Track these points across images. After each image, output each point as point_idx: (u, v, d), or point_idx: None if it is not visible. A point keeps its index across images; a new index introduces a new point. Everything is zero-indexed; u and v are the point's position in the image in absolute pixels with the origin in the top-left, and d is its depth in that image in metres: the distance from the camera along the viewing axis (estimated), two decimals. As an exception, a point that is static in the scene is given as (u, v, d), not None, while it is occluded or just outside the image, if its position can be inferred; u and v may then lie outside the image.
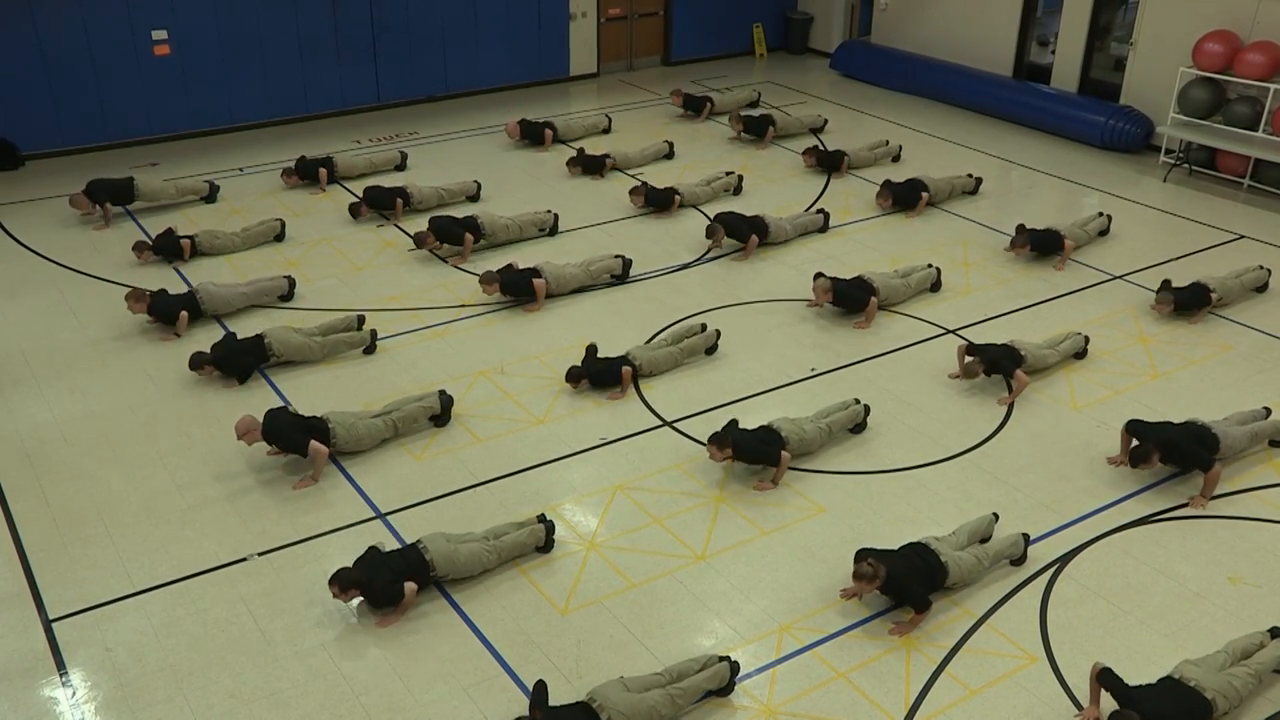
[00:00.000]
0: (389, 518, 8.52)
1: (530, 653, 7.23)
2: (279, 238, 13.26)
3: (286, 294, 11.81)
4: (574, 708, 6.43)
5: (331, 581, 7.41)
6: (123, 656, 7.22)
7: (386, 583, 7.43)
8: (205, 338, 10.83)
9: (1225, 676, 6.62)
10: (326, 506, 8.65)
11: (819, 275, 11.49)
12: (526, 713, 6.47)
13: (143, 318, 11.22)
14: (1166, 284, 11.53)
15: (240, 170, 15.60)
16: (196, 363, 10.12)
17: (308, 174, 14.90)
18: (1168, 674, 6.67)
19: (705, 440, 8.90)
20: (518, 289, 11.63)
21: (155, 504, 8.69)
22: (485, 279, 11.54)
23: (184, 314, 11.03)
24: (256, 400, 9.86)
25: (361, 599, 7.52)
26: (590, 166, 15.37)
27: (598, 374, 10.11)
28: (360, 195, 14.01)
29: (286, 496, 8.76)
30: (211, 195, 14.41)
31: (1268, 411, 9.52)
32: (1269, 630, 7.18)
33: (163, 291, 11.30)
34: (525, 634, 7.41)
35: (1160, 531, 8.41)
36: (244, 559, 8.10)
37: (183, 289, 11.64)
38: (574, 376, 10.07)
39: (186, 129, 16.79)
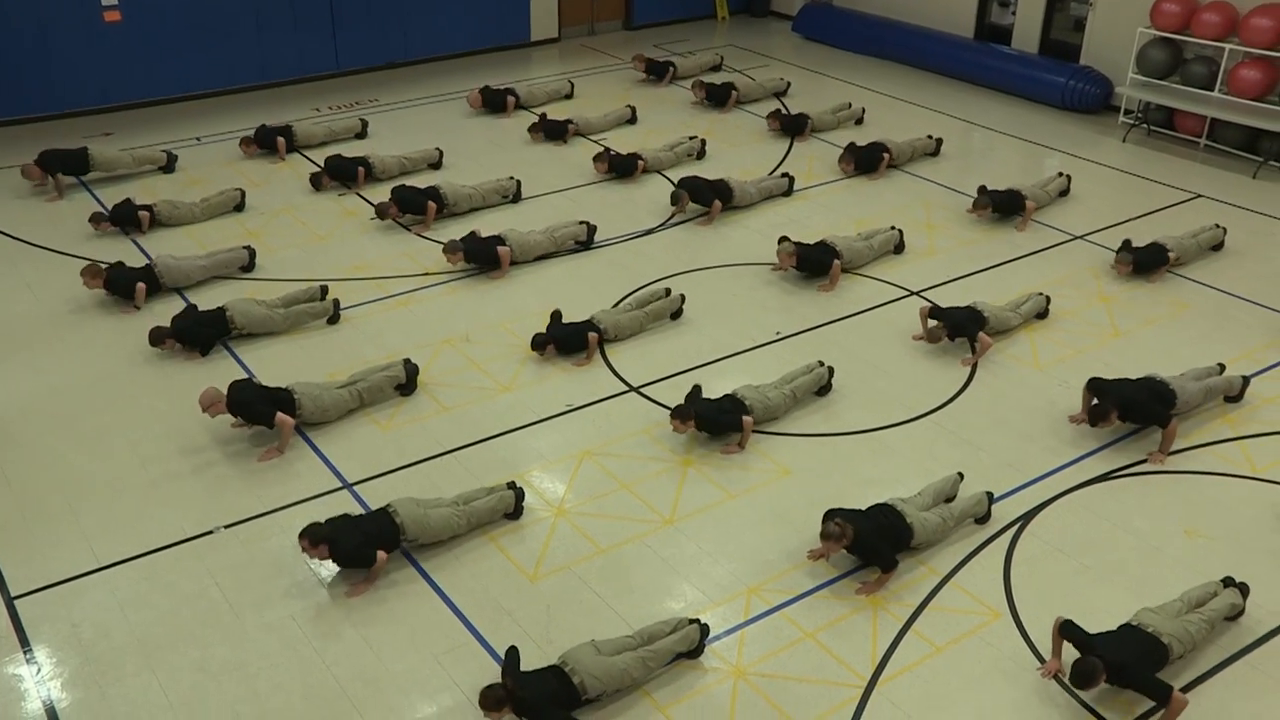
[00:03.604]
0: (356, 488, 8.50)
1: (500, 620, 7.26)
2: (239, 208, 13.09)
3: (247, 265, 11.68)
4: (546, 672, 6.48)
5: (302, 535, 7.38)
6: (89, 632, 7.17)
7: (356, 544, 7.41)
8: (165, 311, 10.69)
9: (1181, 623, 6.80)
10: (293, 478, 8.61)
11: (783, 239, 11.51)
12: (499, 679, 6.49)
13: (100, 292, 11.05)
14: (1126, 244, 11.65)
15: (198, 140, 15.36)
16: (157, 338, 10.00)
17: (267, 143, 14.70)
18: (1126, 621, 6.80)
19: (669, 410, 8.91)
20: (482, 257, 11.57)
21: (118, 479, 8.61)
22: (449, 248, 11.46)
23: (141, 286, 10.88)
24: (219, 373, 9.77)
25: (330, 559, 7.48)
26: (552, 132, 15.27)
27: (563, 339, 10.09)
28: (321, 165, 13.85)
29: (252, 469, 8.71)
30: (169, 165, 14.18)
31: (1222, 368, 9.68)
32: (1221, 580, 7.35)
33: (119, 265, 11.14)
34: (495, 601, 7.43)
35: (1120, 487, 8.55)
36: (210, 532, 8.06)
37: (141, 262, 11.46)
38: (539, 343, 10.04)
39: (141, 98, 16.48)
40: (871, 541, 7.43)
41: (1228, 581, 7.33)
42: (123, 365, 10.07)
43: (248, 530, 8.08)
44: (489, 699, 6.24)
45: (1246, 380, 9.55)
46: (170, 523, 8.15)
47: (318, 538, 7.37)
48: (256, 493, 8.45)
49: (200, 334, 10.11)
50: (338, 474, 8.65)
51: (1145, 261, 11.47)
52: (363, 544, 7.44)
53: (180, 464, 8.78)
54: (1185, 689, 6.68)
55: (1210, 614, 6.98)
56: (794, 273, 11.61)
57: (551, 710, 6.29)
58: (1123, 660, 6.40)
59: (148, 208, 12.50)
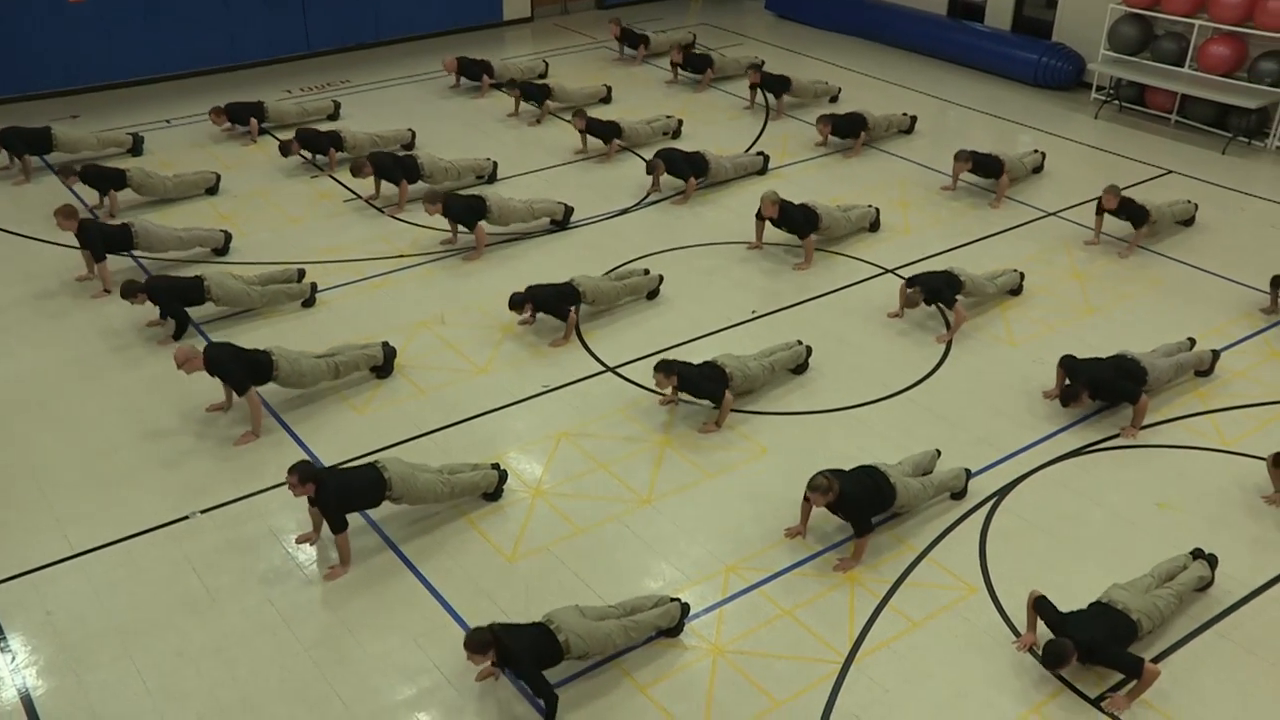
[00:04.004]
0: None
1: (479, 601, 7.26)
2: (212, 191, 12.96)
3: (221, 249, 11.56)
4: (531, 627, 6.48)
5: (291, 470, 7.34)
6: (64, 620, 7.13)
7: (341, 485, 7.40)
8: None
9: (1151, 598, 6.89)
10: (269, 462, 8.56)
11: (769, 191, 11.43)
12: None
13: (69, 278, 10.92)
14: (1116, 188, 11.58)
15: (168, 122, 15.19)
16: (129, 290, 9.80)
17: (238, 117, 14.51)
18: (1097, 599, 6.89)
19: (653, 369, 8.89)
20: (462, 212, 11.46)
21: (91, 465, 8.55)
22: (429, 198, 11.33)
23: (106, 269, 10.71)
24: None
25: (314, 499, 7.43)
26: (530, 94, 15.20)
27: (543, 300, 10.02)
28: (293, 135, 13.66)
29: (228, 454, 8.66)
30: (137, 148, 14.01)
31: (1192, 342, 9.77)
32: (1191, 553, 7.44)
33: (95, 220, 10.99)
34: (474, 582, 7.44)
35: (1093, 462, 8.62)
36: (186, 517, 8.01)
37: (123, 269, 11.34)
38: (517, 301, 9.97)
39: (107, 80, 16.27)
40: (856, 498, 7.46)
41: (1197, 553, 7.43)
42: (93, 350, 9.98)
43: (224, 515, 8.04)
44: (475, 642, 6.23)
45: (1216, 354, 9.65)
46: (145, 508, 8.10)
47: (307, 475, 7.33)
48: (232, 477, 8.41)
49: (173, 296, 9.94)
50: (314, 458, 8.61)
51: (1131, 211, 11.50)
52: (348, 494, 7.42)
53: (154, 449, 8.72)
54: (1156, 659, 6.77)
55: (1179, 587, 7.08)
56: (768, 252, 11.60)
57: (534, 662, 6.29)
58: (1093, 639, 6.48)
59: (120, 173, 12.32)
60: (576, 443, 8.82)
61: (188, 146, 14.37)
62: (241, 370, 8.71)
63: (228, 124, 14.57)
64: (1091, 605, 6.82)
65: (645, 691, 6.64)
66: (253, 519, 7.99)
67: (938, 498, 8.13)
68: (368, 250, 11.79)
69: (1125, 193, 11.72)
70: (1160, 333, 10.07)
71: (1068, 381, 8.96)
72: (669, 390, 8.89)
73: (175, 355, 8.68)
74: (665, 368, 8.72)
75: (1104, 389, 8.86)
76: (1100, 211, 11.69)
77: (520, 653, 6.25)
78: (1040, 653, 6.76)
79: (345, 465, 7.81)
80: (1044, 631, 6.83)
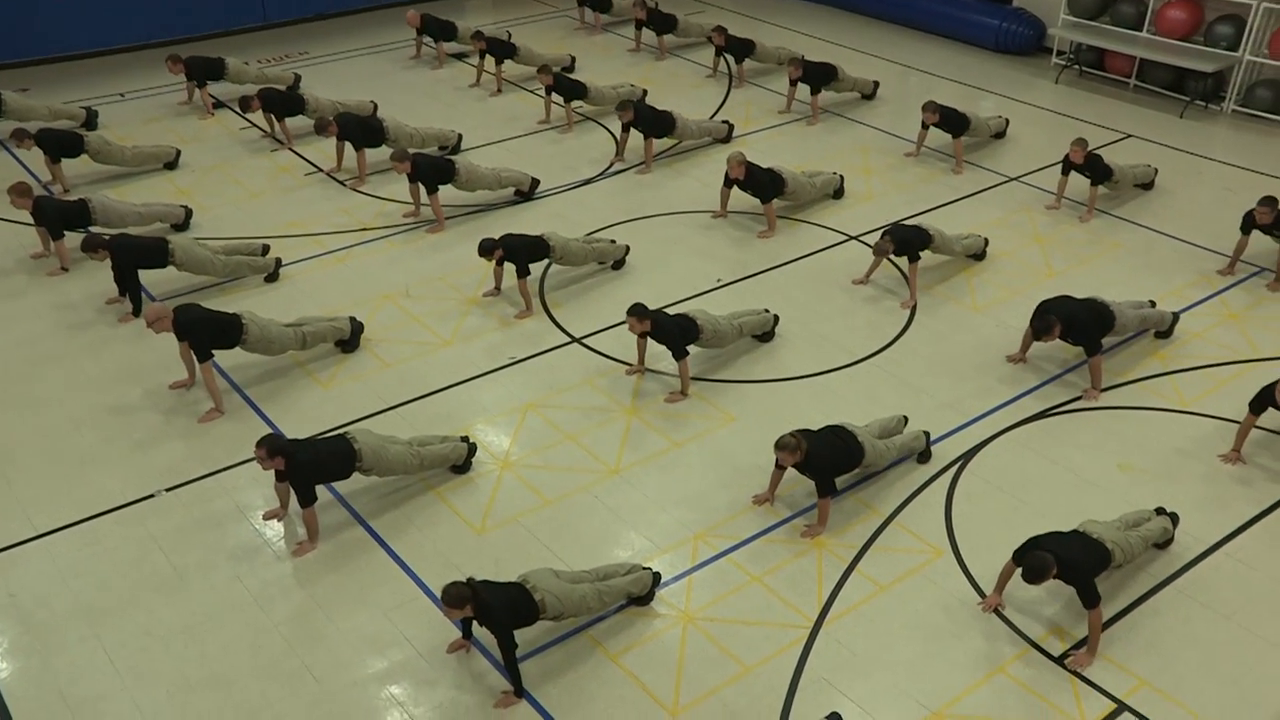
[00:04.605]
0: (299, 447, 8.42)
1: (449, 574, 7.24)
2: (171, 165, 12.77)
3: (182, 224, 11.40)
4: (508, 585, 6.49)
5: (259, 444, 7.28)
6: (28, 601, 7.06)
7: (310, 459, 7.35)
8: (95, 268, 10.41)
9: (1124, 535, 7.04)
10: (234, 438, 8.50)
11: (736, 152, 11.39)
12: (450, 635, 6.50)
13: (24, 255, 10.75)
14: (1083, 140, 11.64)
15: (121, 96, 14.93)
16: (91, 244, 9.63)
17: (194, 73, 14.19)
18: (1075, 528, 6.99)
19: (627, 312, 8.87)
20: (430, 173, 11.35)
21: (52, 444, 8.45)
22: (398, 155, 11.21)
23: (64, 242, 10.56)
24: (155, 337, 9.54)
25: (282, 472, 7.40)
26: (496, 49, 15.06)
27: (512, 249, 9.94)
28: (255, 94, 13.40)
29: (192, 431, 8.59)
30: (90, 122, 13.74)
31: (1153, 304, 9.89)
32: (1154, 510, 7.57)
33: (50, 197, 10.82)
34: (443, 555, 7.44)
35: (1056, 425, 8.73)
36: (151, 496, 7.95)
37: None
38: (487, 249, 9.91)
39: (58, 53, 15.93)
40: (824, 456, 7.51)
41: (1159, 511, 7.56)
42: (52, 329, 9.84)
43: (190, 492, 7.99)
44: (452, 595, 6.21)
45: (1176, 316, 9.78)
46: (109, 487, 8.02)
47: (275, 449, 7.28)
48: (198, 454, 8.34)
49: (136, 255, 9.79)
50: (280, 433, 8.54)
51: (1095, 167, 11.56)
52: (317, 463, 7.38)
53: (117, 427, 8.63)
54: (1119, 614, 6.91)
55: (1146, 533, 7.22)
56: (733, 220, 11.61)
57: (510, 618, 6.29)
58: (1072, 557, 6.59)
59: (78, 135, 12.09)
60: (544, 414, 8.82)
61: (143, 121, 14.14)
62: (209, 334, 8.61)
63: (183, 78, 14.22)
64: (1070, 532, 6.92)
65: (616, 660, 6.68)
66: (219, 496, 7.94)
67: (903, 462, 8.21)
68: (330, 224, 11.68)
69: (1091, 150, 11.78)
70: (1121, 296, 10.15)
71: (1043, 315, 8.88)
72: (639, 336, 8.86)
73: (146, 314, 8.59)
74: (639, 311, 8.75)
75: (1076, 325, 8.87)
76: (1066, 169, 11.73)
77: (496, 608, 6.26)
78: (1005, 614, 6.84)
79: (314, 438, 7.77)
80: (1011, 589, 6.94)
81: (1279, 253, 10.57)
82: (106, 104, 14.50)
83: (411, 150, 12.52)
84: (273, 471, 7.47)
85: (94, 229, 10.79)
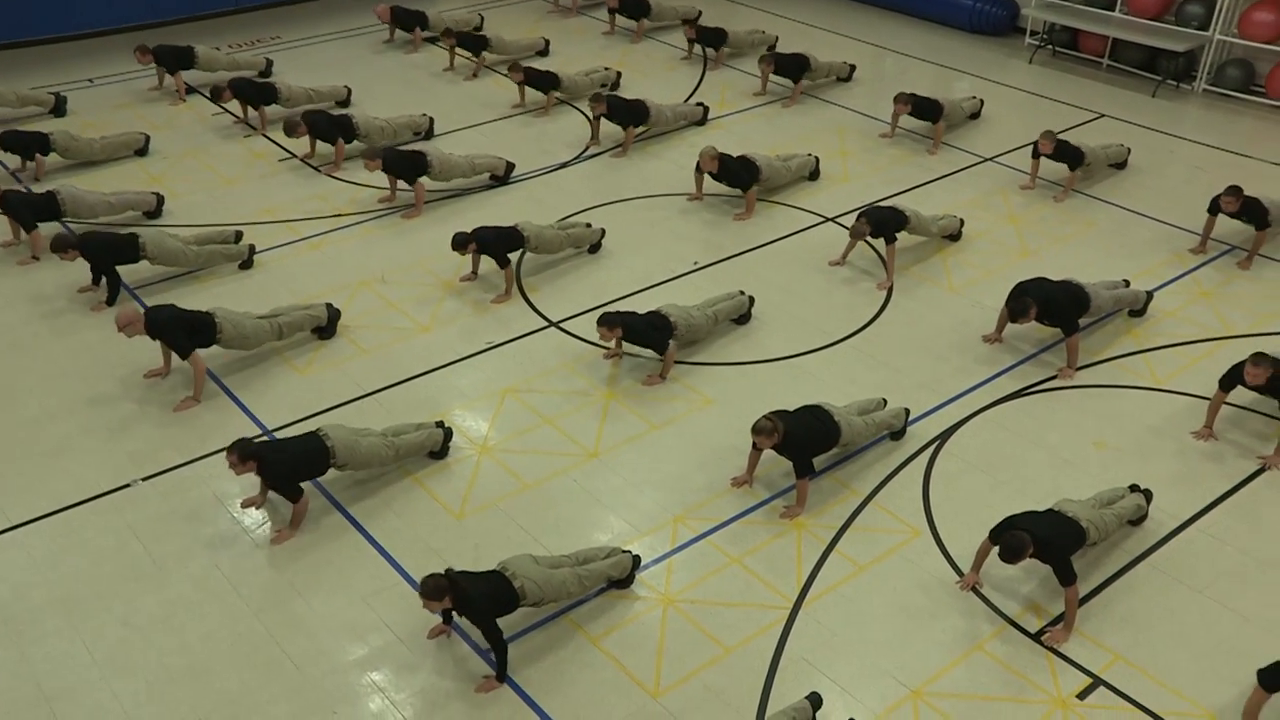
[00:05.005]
0: (276, 434, 8.38)
1: (429, 559, 7.26)
2: (141, 152, 12.64)
3: (154, 211, 11.31)
4: (487, 574, 6.50)
5: (230, 450, 7.26)
6: (3, 593, 7.01)
7: (284, 460, 7.32)
8: (66, 262, 10.32)
9: (1099, 513, 7.12)
10: (211, 427, 8.46)
11: (708, 147, 11.42)
12: (430, 620, 6.50)
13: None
14: (1052, 133, 11.70)
15: (90, 82, 14.76)
16: (61, 244, 9.54)
17: (164, 61, 14.07)
18: (1050, 507, 7.06)
19: (596, 323, 8.88)
20: (402, 167, 11.30)
21: (26, 435, 8.38)
22: (369, 154, 11.14)
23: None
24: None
25: (258, 476, 7.38)
26: (466, 43, 14.97)
27: (486, 241, 9.92)
28: (226, 84, 13.29)
29: (168, 419, 8.54)
30: (59, 108, 13.60)
31: (1127, 284, 9.96)
32: (1128, 487, 7.64)
33: (19, 190, 10.68)
34: (422, 541, 7.43)
35: (1032, 404, 8.79)
36: (127, 485, 7.90)
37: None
38: (461, 242, 9.87)
39: (23, 37, 15.69)
40: (800, 440, 7.54)
41: (1133, 488, 7.64)
42: (23, 319, 9.75)
43: (167, 482, 7.94)
44: (430, 588, 6.22)
45: (1150, 295, 9.85)
46: (85, 478, 7.97)
47: (246, 453, 7.25)
48: (174, 443, 8.29)
49: (107, 251, 9.69)
50: (257, 421, 8.51)
51: (1067, 154, 11.62)
52: (291, 463, 7.35)
53: (91, 418, 8.56)
54: (1094, 591, 6.98)
55: (1120, 510, 7.30)
56: (709, 203, 11.61)
57: (490, 607, 6.30)
58: (1048, 536, 6.66)
59: (44, 137, 11.96)
60: (522, 398, 8.82)
61: (113, 107, 13.98)
62: (184, 332, 8.55)
63: (154, 79, 14.13)
64: (1046, 511, 6.99)
65: (597, 643, 6.70)
66: (196, 485, 7.90)
67: (880, 442, 8.25)
68: (305, 210, 11.60)
69: (1060, 136, 11.85)
70: (1095, 276, 10.22)
71: (1018, 297, 8.94)
72: (614, 343, 8.91)
73: (117, 319, 8.51)
74: (609, 321, 8.72)
75: (1052, 307, 8.95)
76: (1036, 155, 11.83)
77: (476, 598, 6.27)
78: (983, 592, 6.91)
79: (286, 435, 7.71)
80: (988, 568, 6.99)
81: (1253, 235, 10.64)
82: (75, 90, 14.33)
83: (384, 143, 12.50)
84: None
85: (65, 219, 10.69)
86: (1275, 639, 6.73)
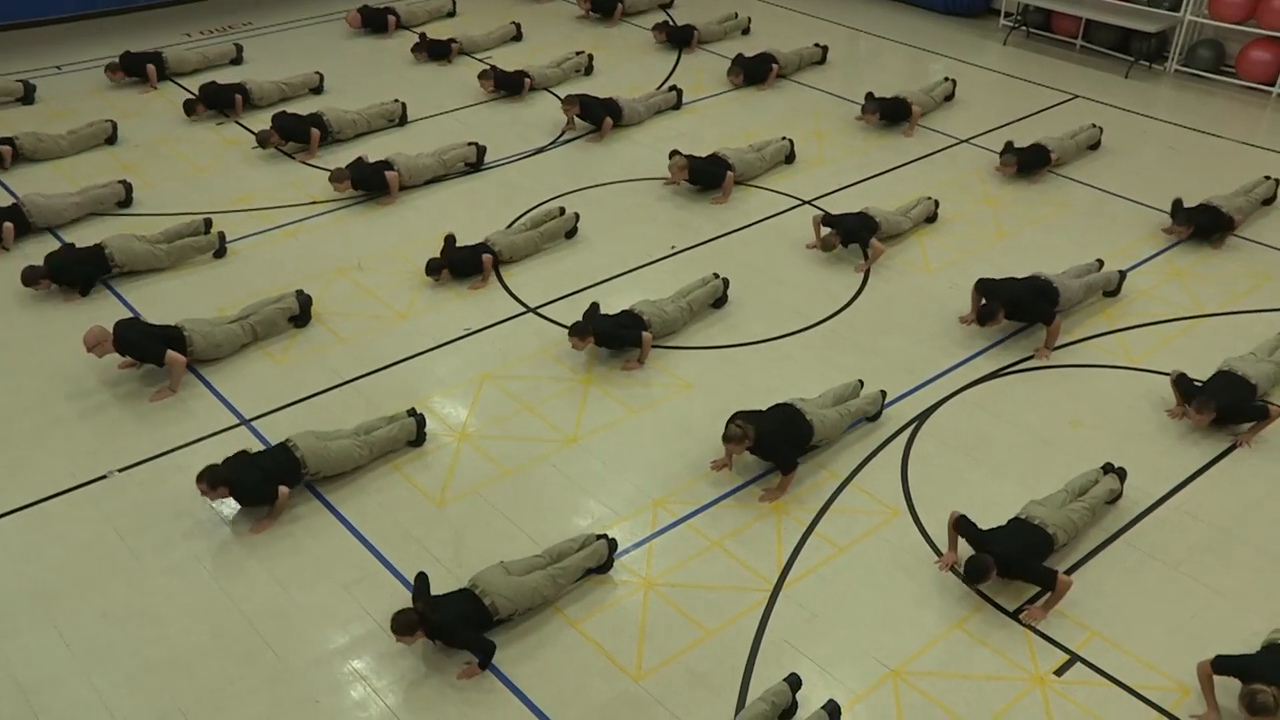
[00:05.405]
0: (254, 423, 8.34)
1: (409, 547, 7.25)
2: (110, 140, 12.51)
3: (124, 201, 11.20)
4: (457, 595, 6.52)
5: (199, 478, 7.24)
6: (-19, 586, 6.97)
7: (256, 481, 7.30)
8: (37, 252, 10.19)
9: (1065, 512, 7.15)
10: (188, 416, 8.41)
11: (674, 153, 11.48)
12: (410, 605, 6.50)
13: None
14: (1009, 145, 11.89)
15: (58, 69, 14.58)
16: (30, 277, 9.56)
17: (135, 69, 13.99)
18: (1016, 515, 7.12)
19: (567, 329, 8.90)
20: (370, 183, 11.29)
21: (0, 427, 8.30)
22: (335, 176, 11.11)
23: (9, 226, 10.35)
24: (102, 313, 9.40)
25: (232, 499, 7.38)
26: (436, 52, 14.88)
27: (458, 263, 9.97)
28: (195, 93, 13.25)
29: (144, 410, 8.48)
30: (28, 96, 13.45)
31: (1100, 264, 10.02)
32: (1101, 467, 7.71)
33: None
34: (402, 529, 7.42)
35: (1009, 384, 8.85)
36: (104, 476, 7.85)
37: (5, 201, 10.91)
38: (433, 268, 9.90)
39: (-9, 25, 15.52)
40: (773, 441, 7.57)
41: (1107, 468, 7.71)
42: (-4, 310, 9.66)
43: (144, 472, 7.89)
44: (401, 623, 6.27)
45: (1123, 275, 9.92)
46: (60, 469, 7.91)
47: (217, 479, 7.23)
48: (151, 434, 8.24)
49: (76, 273, 9.70)
50: (234, 411, 8.47)
51: (1028, 161, 11.74)
52: (263, 481, 7.34)
53: (67, 408, 8.49)
54: (1070, 569, 7.04)
55: (1091, 500, 7.36)
56: (687, 186, 11.61)
57: (464, 631, 6.35)
58: (1011, 554, 6.72)
59: (8, 140, 11.85)
60: (500, 385, 8.80)
61: (82, 94, 13.82)
62: (156, 347, 8.51)
63: (125, 78, 13.99)
64: (1010, 522, 7.05)
65: (578, 627, 6.72)
66: (175, 475, 7.86)
67: (858, 424, 8.29)
68: (279, 198, 11.52)
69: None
70: (1070, 255, 10.30)
71: (984, 302, 9.15)
72: (586, 348, 8.87)
73: (85, 340, 8.47)
74: (579, 329, 8.70)
75: (1020, 309, 9.07)
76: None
77: (448, 625, 6.30)
78: (961, 570, 6.97)
79: (255, 454, 7.65)
80: (965, 549, 7.04)
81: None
82: (43, 77, 14.15)
83: (357, 135, 12.39)
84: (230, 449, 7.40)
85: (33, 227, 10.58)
86: (1247, 613, 6.82)
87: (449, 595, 6.52)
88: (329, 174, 11.29)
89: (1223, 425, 8.19)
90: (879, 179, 11.89)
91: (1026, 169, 11.76)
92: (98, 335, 8.45)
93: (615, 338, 8.84)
